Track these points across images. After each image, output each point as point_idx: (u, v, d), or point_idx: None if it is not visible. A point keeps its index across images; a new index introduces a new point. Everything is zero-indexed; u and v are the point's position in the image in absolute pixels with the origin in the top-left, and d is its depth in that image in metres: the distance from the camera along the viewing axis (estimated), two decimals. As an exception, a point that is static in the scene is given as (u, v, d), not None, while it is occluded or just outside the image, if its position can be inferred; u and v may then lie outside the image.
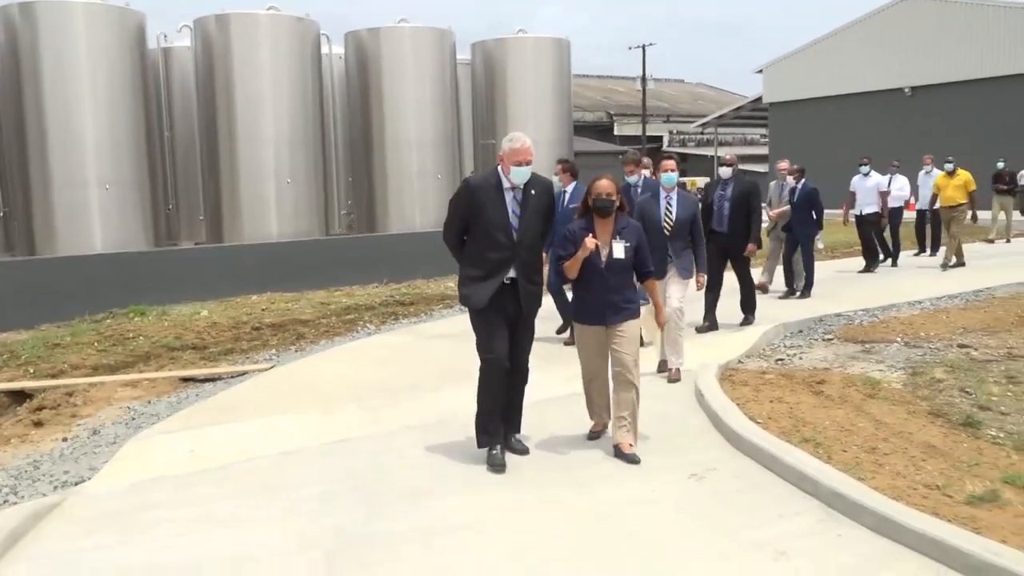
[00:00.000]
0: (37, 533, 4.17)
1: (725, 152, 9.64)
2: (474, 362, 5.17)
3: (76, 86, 13.29)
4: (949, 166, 14.23)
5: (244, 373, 8.13)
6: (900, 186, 14.74)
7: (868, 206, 13.51)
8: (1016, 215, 19.72)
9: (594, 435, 5.50)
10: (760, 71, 37.95)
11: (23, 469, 5.53)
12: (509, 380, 5.14)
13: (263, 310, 11.76)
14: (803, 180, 11.11)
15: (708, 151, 51.80)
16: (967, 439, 5.37)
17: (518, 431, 5.36)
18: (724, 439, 5.28)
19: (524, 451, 5.25)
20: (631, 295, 5.26)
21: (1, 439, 6.58)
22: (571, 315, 5.27)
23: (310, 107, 15.57)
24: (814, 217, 11.09)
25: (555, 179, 9.86)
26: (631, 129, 58.34)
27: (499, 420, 5.10)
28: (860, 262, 14.01)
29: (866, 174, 13.62)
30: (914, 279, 12.74)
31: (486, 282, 4.98)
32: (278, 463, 5.15)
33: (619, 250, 5.13)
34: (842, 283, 12.50)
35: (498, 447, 5.04)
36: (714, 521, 3.99)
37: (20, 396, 7.85)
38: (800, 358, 8.05)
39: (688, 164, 53.31)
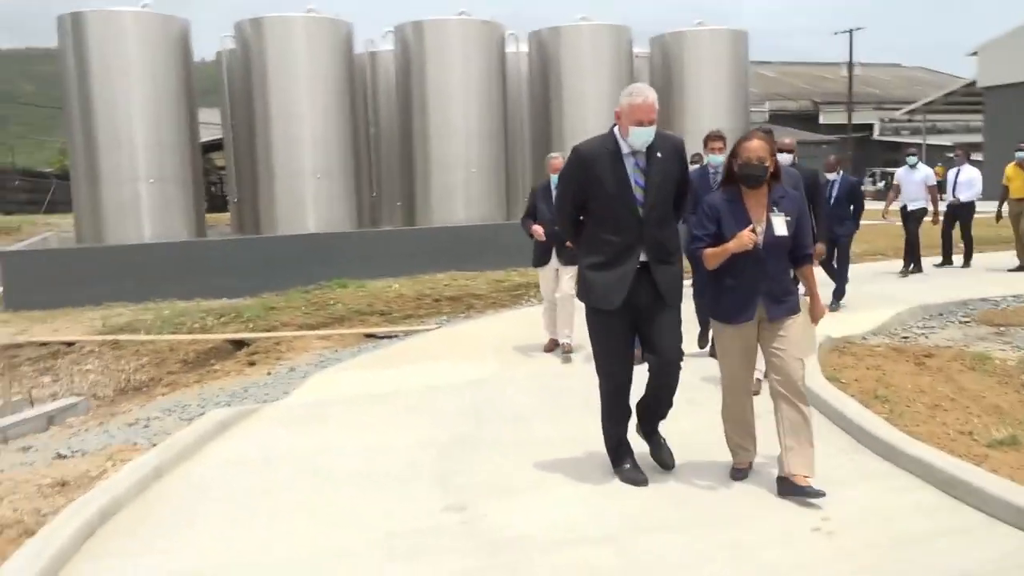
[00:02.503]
0: (240, 426, 5.64)
1: (788, 138, 7.54)
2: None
3: (295, 89, 15.43)
4: (1021, 154, 12.59)
5: (416, 332, 9.55)
6: (970, 179, 12.90)
7: (914, 201, 12.29)
8: None
9: (739, 473, 4.32)
10: (974, 53, 35.69)
11: (236, 391, 7.15)
12: (658, 379, 4.32)
13: (445, 285, 13.24)
14: (841, 172, 9.82)
15: (926, 140, 48.95)
16: (1043, 406, 5.72)
17: (663, 417, 4.49)
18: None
19: (669, 464, 4.41)
20: (791, 285, 4.28)
21: (224, 372, 8.36)
22: (710, 311, 4.32)
23: (495, 103, 16.98)
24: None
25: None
26: (837, 117, 56.02)
27: (626, 441, 4.48)
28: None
29: (913, 166, 12.39)
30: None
31: (610, 272, 4.16)
32: (423, 393, 6.41)
33: (780, 226, 4.05)
34: (989, 272, 12.29)
35: (629, 462, 4.42)
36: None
37: (240, 344, 9.70)
38: (927, 337, 8.35)
39: (900, 153, 50.71)
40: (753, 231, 4.01)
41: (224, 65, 17.61)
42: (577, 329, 6.85)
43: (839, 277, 9.71)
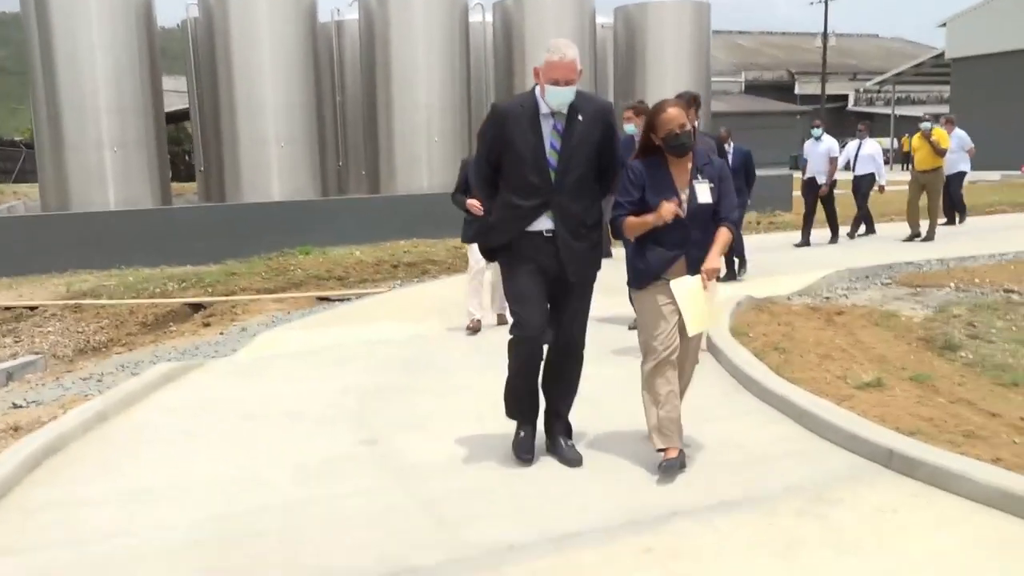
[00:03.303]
0: (185, 378, 6.06)
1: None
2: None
3: (257, 57, 15.68)
4: (926, 125, 12.70)
5: (366, 294, 9.97)
6: (871, 153, 13.22)
7: (820, 173, 12.49)
8: None
9: (670, 464, 3.89)
10: (943, 24, 36.16)
11: (188, 349, 7.56)
12: (556, 362, 4.14)
13: (404, 252, 13.64)
14: (733, 144, 9.73)
15: (899, 110, 49.43)
16: (928, 356, 6.21)
17: (568, 434, 4.22)
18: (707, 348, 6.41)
19: (576, 461, 4.05)
20: None
21: (179, 333, 8.76)
22: (633, 278, 4.09)
23: (458, 73, 17.27)
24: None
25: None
26: (813, 88, 56.37)
27: (529, 403, 4.22)
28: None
29: (818, 138, 12.52)
30: (1008, 233, 12.83)
31: (514, 232, 3.98)
32: (360, 348, 6.85)
33: (704, 193, 3.94)
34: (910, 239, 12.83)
35: (527, 428, 4.20)
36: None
37: (198, 307, 10.09)
38: (847, 297, 8.85)
39: (875, 123, 51.28)
40: (679, 204, 3.86)
41: (189, 33, 17.78)
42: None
43: (738, 248, 9.73)
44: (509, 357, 4.10)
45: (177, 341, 8.13)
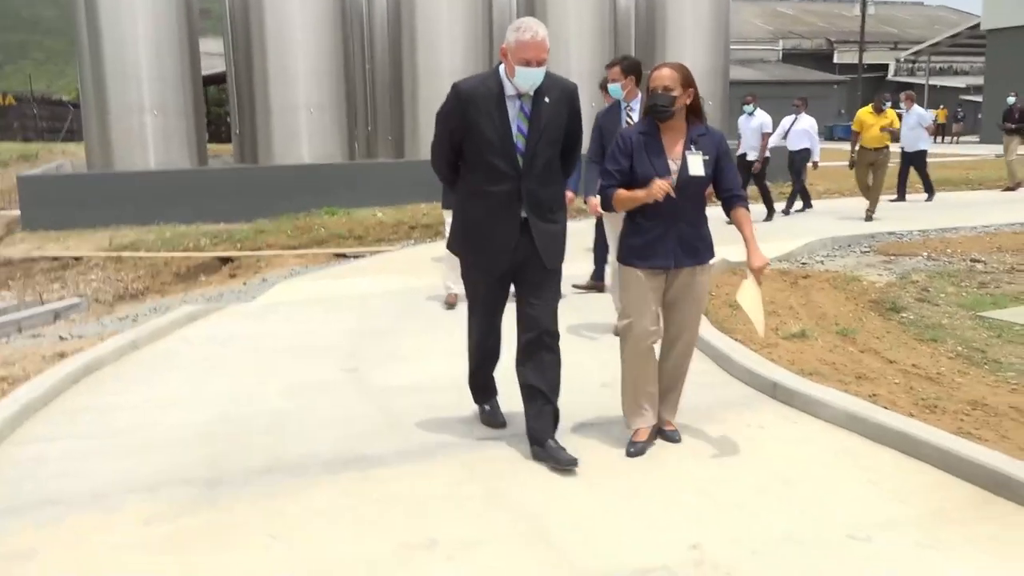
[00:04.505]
0: (207, 318, 6.97)
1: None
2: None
3: (289, 26, 16.46)
4: (885, 105, 12.53)
5: (380, 252, 10.81)
6: (805, 128, 13.08)
7: (752, 149, 12.46)
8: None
9: (638, 448, 3.95)
10: (981, -5, 35.82)
11: (213, 296, 8.48)
12: (532, 356, 3.91)
13: (423, 214, 14.41)
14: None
15: (940, 80, 48.96)
16: (870, 316, 6.88)
17: (552, 435, 3.92)
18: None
19: (570, 464, 3.78)
20: (706, 233, 3.98)
21: (208, 283, 9.69)
22: (621, 255, 3.99)
23: (480, 42, 17.91)
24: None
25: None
26: (852, 57, 55.76)
27: (490, 385, 4.40)
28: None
29: (750, 114, 12.48)
30: (996, 206, 13.27)
31: (490, 231, 3.86)
32: (361, 298, 7.71)
33: (695, 164, 3.79)
34: (918, 210, 13.37)
35: (492, 402, 4.36)
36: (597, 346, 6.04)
37: (227, 260, 11.02)
38: (823, 264, 9.48)
39: (916, 94, 50.77)
40: (671, 182, 3.72)
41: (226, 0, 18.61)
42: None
43: None
44: (469, 344, 4.25)
45: (205, 289, 9.06)
